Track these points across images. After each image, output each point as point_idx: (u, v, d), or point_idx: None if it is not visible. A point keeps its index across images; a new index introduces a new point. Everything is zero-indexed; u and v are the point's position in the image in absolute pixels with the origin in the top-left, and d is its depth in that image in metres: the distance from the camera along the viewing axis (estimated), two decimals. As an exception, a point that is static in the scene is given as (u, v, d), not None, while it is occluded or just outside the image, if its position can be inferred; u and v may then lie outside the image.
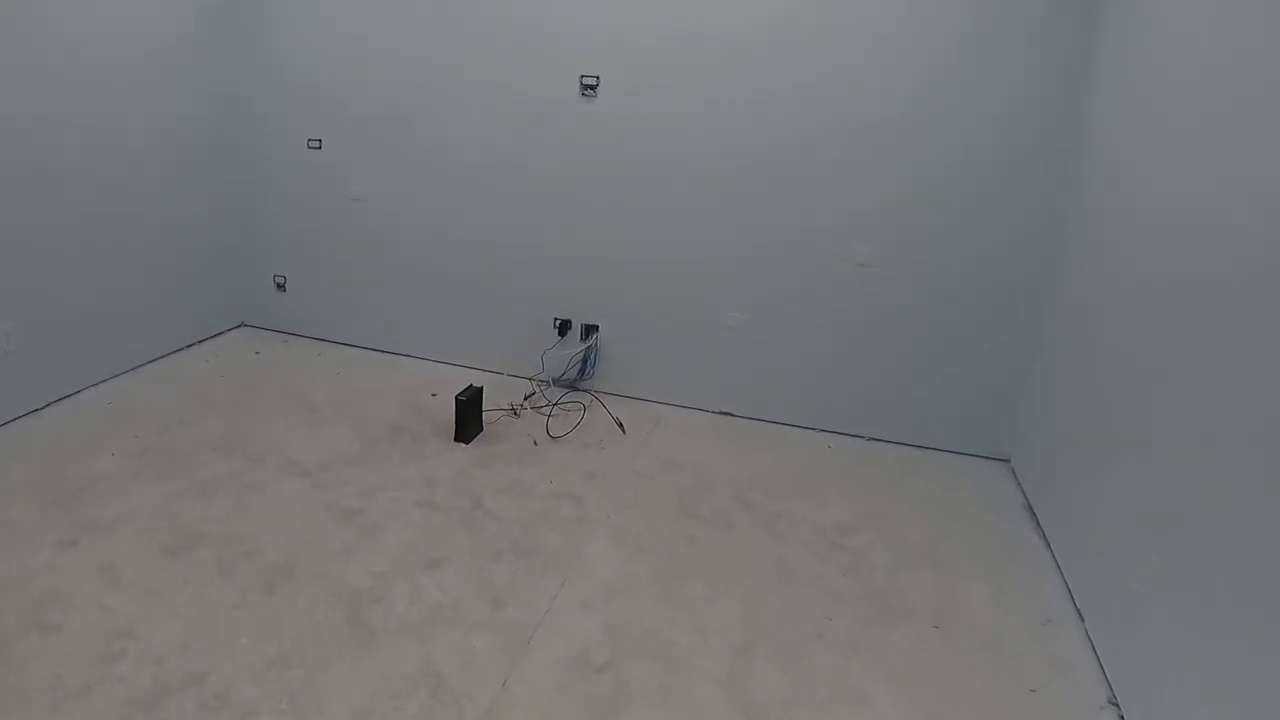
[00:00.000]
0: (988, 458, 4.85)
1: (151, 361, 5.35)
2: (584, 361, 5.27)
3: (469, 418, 4.59)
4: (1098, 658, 3.25)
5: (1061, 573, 3.77)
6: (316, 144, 5.55)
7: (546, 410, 4.98)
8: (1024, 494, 4.44)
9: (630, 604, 3.43)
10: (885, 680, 3.13)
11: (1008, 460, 4.80)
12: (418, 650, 3.10)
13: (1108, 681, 3.15)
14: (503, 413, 4.90)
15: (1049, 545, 3.98)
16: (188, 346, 5.65)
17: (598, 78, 4.88)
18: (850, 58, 4.51)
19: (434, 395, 5.13)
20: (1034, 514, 4.25)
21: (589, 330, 5.30)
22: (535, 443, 4.64)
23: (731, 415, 5.20)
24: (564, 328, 5.31)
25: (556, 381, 5.32)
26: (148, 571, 3.39)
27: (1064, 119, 4.28)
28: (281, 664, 2.99)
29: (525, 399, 5.06)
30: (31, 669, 2.87)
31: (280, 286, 5.95)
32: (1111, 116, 3.92)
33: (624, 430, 4.85)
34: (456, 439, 4.59)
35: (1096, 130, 4.07)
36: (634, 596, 3.48)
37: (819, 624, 3.39)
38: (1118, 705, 3.05)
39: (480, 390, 4.67)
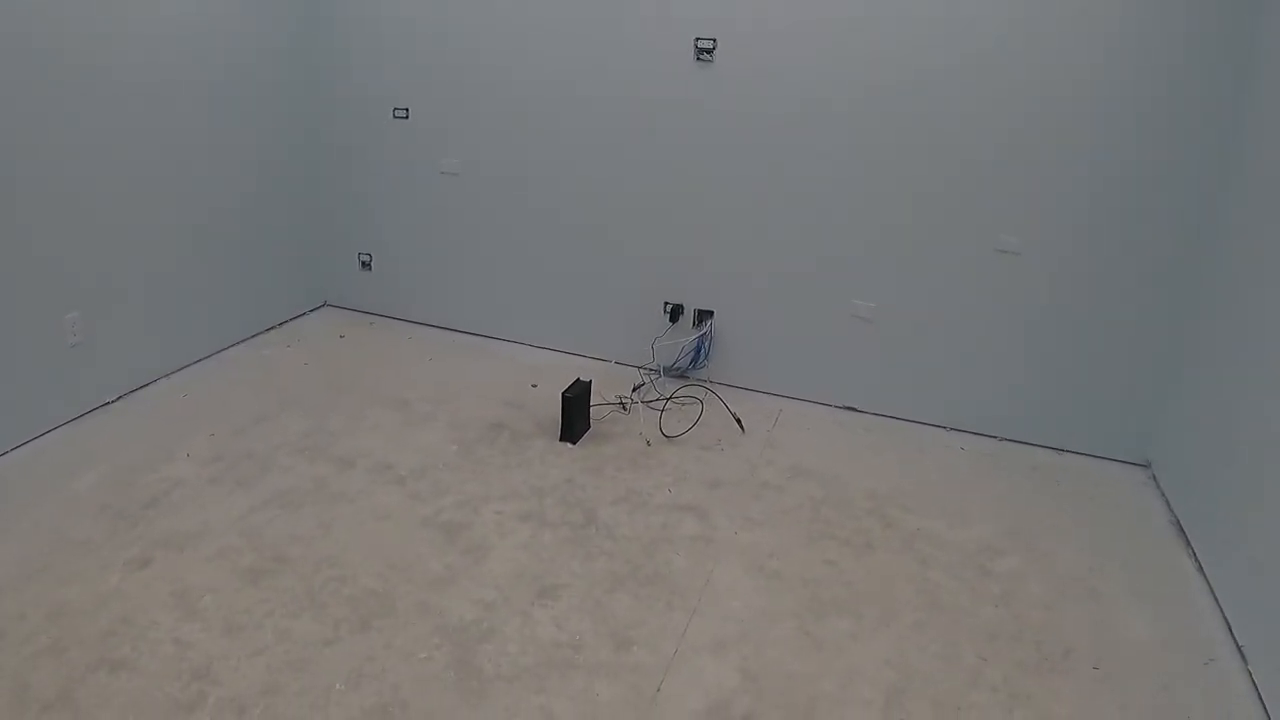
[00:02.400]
0: (1126, 462, 4.38)
1: (230, 346, 5.02)
2: (697, 350, 4.83)
3: (577, 416, 4.18)
4: (1264, 707, 2.85)
5: (1218, 601, 3.35)
6: (403, 113, 5.15)
7: (658, 405, 4.54)
8: (1169, 506, 3.99)
9: (769, 643, 3.01)
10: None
11: (1148, 465, 4.33)
12: (535, 701, 2.71)
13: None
14: (611, 407, 4.49)
15: (1201, 568, 3.55)
16: (268, 330, 5.31)
17: (714, 40, 4.40)
18: (1002, 31, 4.00)
19: (535, 386, 4.73)
20: (1182, 530, 3.81)
21: (703, 316, 4.84)
22: (649, 443, 4.23)
23: (855, 410, 4.75)
24: (675, 313, 4.86)
25: (667, 371, 4.89)
26: (227, 599, 3.04)
27: (1226, 108, 3.78)
28: (381, 716, 2.61)
29: (634, 390, 4.64)
30: (98, 718, 2.54)
31: (365, 265, 5.58)
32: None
33: (743, 428, 4.41)
34: (562, 438, 4.19)
35: (1260, 123, 3.62)
36: (772, 634, 3.05)
37: (974, 667, 2.97)
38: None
39: (588, 385, 4.26)
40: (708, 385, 4.80)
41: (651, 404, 4.56)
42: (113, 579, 3.10)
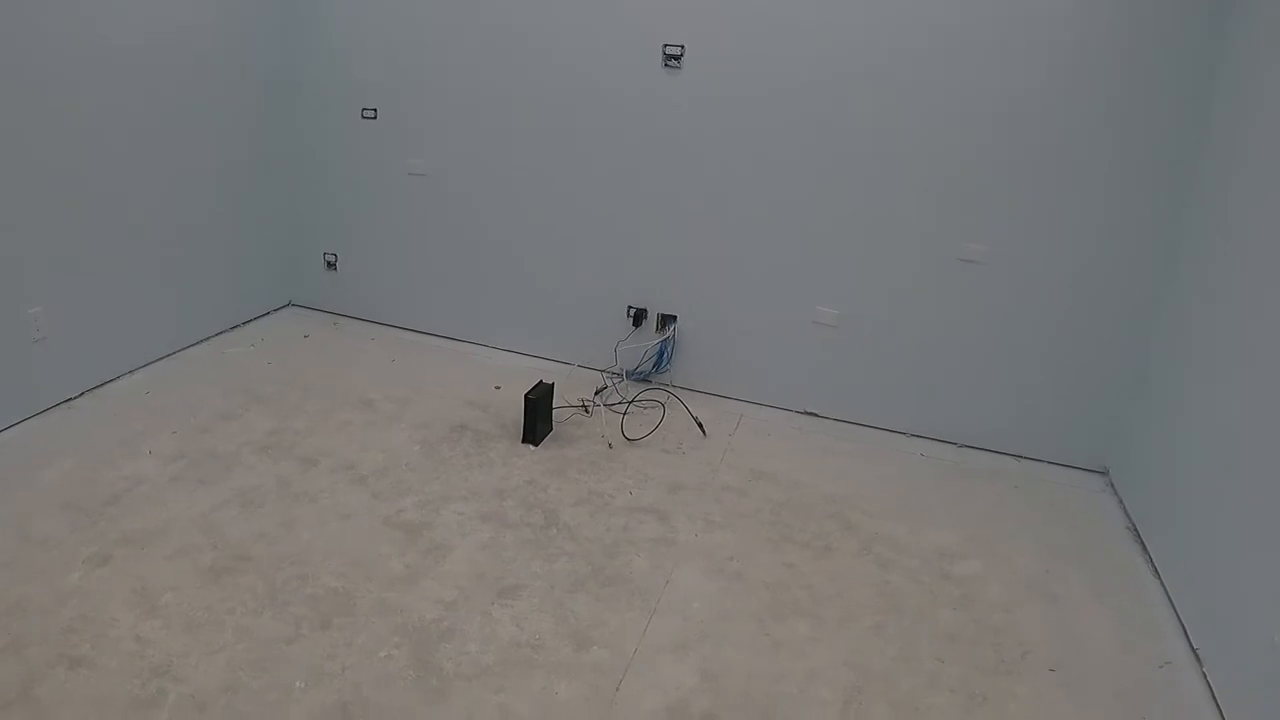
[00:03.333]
0: (1084, 469, 4.45)
1: (193, 345, 5.01)
2: (660, 354, 4.87)
3: (539, 417, 4.21)
4: (1219, 709, 2.90)
5: (1172, 604, 3.42)
6: (371, 113, 5.16)
7: (620, 408, 4.58)
8: (1125, 512, 4.07)
9: (728, 644, 3.05)
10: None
11: (1105, 472, 4.40)
12: (494, 700, 2.74)
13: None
14: (574, 410, 4.52)
15: (1156, 572, 3.62)
16: (232, 328, 5.30)
17: (683, 47, 4.44)
18: (967, 42, 4.05)
19: (498, 388, 4.75)
20: (1138, 535, 3.88)
21: (666, 321, 4.88)
22: (610, 445, 4.26)
23: (816, 415, 4.80)
24: (639, 317, 4.90)
25: (630, 375, 4.93)
26: (188, 597, 3.05)
27: (1188, 118, 3.85)
28: (340, 715, 2.63)
29: (597, 394, 4.67)
30: (58, 716, 2.54)
31: (331, 265, 5.58)
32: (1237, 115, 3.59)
33: (705, 432, 4.45)
34: (525, 440, 4.22)
35: (1221, 136, 3.70)
36: (732, 635, 3.09)
37: (932, 669, 3.02)
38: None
39: (551, 387, 4.29)
40: (670, 389, 4.85)
41: (614, 407, 4.60)
42: (73, 576, 3.09)
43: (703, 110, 4.50)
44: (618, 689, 2.80)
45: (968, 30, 4.01)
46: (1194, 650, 3.16)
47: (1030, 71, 3.98)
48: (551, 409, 4.33)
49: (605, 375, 4.91)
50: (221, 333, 5.22)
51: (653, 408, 4.61)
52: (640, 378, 4.95)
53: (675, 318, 4.87)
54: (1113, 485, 4.29)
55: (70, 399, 4.25)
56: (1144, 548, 3.79)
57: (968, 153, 4.16)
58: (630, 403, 4.63)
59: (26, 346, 4.01)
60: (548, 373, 4.67)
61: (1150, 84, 3.85)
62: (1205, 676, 3.04)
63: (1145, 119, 3.89)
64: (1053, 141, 4.03)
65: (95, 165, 4.21)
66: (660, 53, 4.48)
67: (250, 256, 5.37)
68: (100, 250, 4.32)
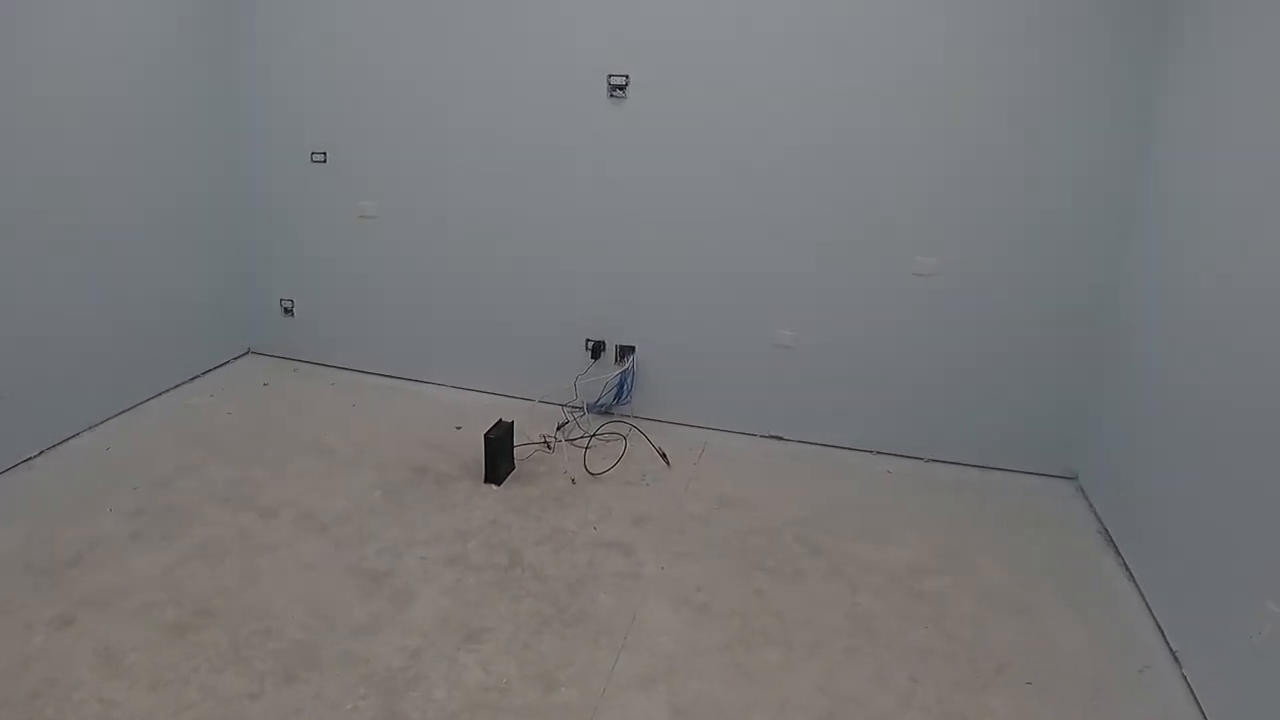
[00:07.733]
0: (1054, 476, 4.51)
1: (153, 397, 4.98)
2: (620, 386, 4.89)
3: (500, 456, 4.20)
4: (1201, 711, 2.93)
5: (1149, 607, 3.46)
6: (320, 157, 5.16)
7: (582, 442, 4.59)
8: (1096, 516, 4.12)
9: (698, 677, 3.05)
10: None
11: (1075, 478, 4.46)
12: (462, 746, 2.71)
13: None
14: (535, 446, 4.52)
15: (1131, 575, 3.67)
16: (192, 379, 5.28)
17: (627, 77, 4.48)
18: (907, 53, 4.13)
19: (459, 428, 4.75)
20: (1110, 539, 3.93)
21: (625, 352, 4.91)
22: (573, 481, 4.27)
23: (782, 439, 4.83)
24: (597, 350, 4.93)
25: (591, 408, 4.94)
26: (152, 656, 3.02)
27: (1132, 131, 3.96)
28: (307, 770, 2.61)
29: (558, 429, 4.68)
30: (21, 789, 2.51)
31: (288, 310, 5.57)
32: (1183, 126, 3.68)
33: (668, 462, 4.46)
34: (487, 480, 4.21)
35: (1166, 136, 3.81)
36: (701, 668, 3.10)
37: (906, 689, 3.03)
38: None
39: (511, 425, 4.29)
40: (632, 420, 4.87)
41: (576, 442, 4.61)
42: (36, 639, 3.07)
43: (650, 139, 4.55)
44: (586, 729, 2.80)
45: (915, 57, 4.11)
46: (1173, 652, 3.19)
47: (974, 91, 4.09)
48: (512, 447, 4.33)
49: (566, 410, 4.92)
50: (181, 384, 5.20)
51: (615, 440, 4.64)
52: (602, 410, 4.96)
53: (634, 348, 4.90)
54: (1083, 490, 4.35)
55: (29, 458, 4.22)
56: (1117, 551, 3.83)
57: (914, 168, 4.23)
58: (592, 436, 4.65)
59: (-19, 408, 3.98)
60: (509, 410, 4.67)
61: (1092, 80, 3.94)
62: (1185, 678, 3.07)
63: (1089, 118, 3.98)
64: (999, 148, 4.12)
65: (46, 222, 4.19)
66: (605, 83, 4.51)
67: (207, 306, 5.35)
68: (55, 307, 4.29)
